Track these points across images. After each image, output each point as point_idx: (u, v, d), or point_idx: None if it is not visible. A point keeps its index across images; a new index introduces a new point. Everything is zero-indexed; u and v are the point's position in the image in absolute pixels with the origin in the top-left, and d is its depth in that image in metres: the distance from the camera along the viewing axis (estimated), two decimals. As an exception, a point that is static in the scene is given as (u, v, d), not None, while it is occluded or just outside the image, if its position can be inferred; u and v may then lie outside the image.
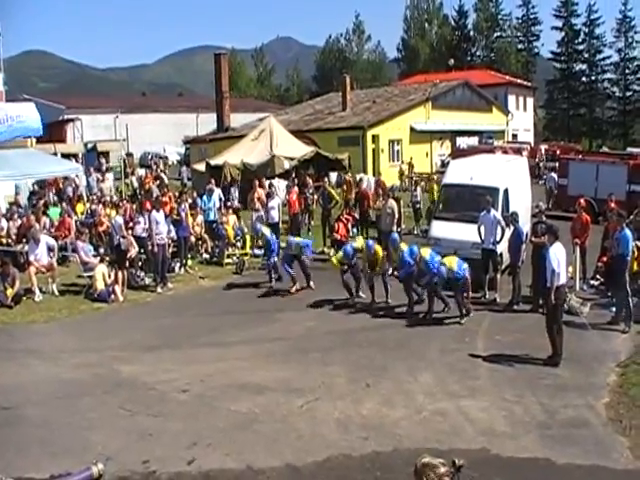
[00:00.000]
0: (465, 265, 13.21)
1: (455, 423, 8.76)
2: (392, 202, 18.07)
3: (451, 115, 44.76)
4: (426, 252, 13.66)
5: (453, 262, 13.21)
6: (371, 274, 14.67)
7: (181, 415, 9.14)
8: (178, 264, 17.47)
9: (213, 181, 22.48)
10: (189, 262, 18.02)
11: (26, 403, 9.69)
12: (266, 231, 16.26)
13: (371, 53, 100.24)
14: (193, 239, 18.65)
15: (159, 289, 15.76)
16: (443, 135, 44.42)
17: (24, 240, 18.00)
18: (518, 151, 36.35)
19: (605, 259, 15.01)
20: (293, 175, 24.90)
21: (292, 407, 9.32)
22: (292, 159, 28.34)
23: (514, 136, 56.23)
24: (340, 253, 14.93)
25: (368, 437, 8.38)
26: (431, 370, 10.57)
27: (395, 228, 17.48)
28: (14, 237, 19.06)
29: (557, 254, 10.79)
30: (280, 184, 22.95)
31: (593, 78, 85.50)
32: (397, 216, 17.92)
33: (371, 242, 15.23)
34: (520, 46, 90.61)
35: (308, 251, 16.21)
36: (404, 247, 14.17)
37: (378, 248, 14.84)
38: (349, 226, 18.36)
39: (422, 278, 13.64)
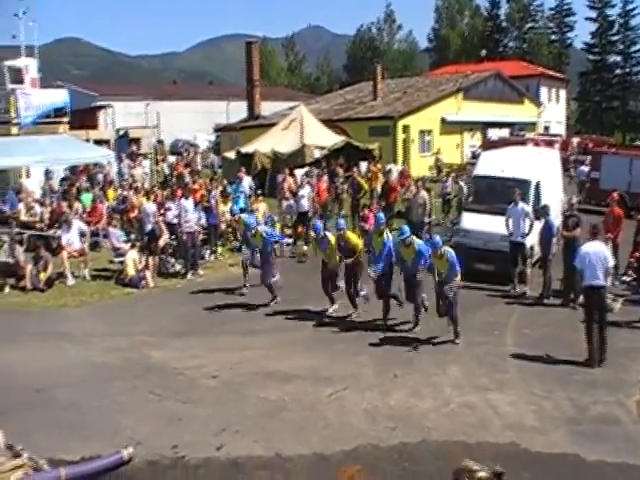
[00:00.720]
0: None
1: (483, 416, 8.71)
2: (424, 193, 17.96)
3: (482, 106, 44.33)
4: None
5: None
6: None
7: (210, 401, 9.19)
8: (208, 251, 17.55)
9: (243, 169, 22.52)
10: (219, 249, 18.10)
11: (57, 385, 9.81)
12: (262, 229, 14.30)
13: (402, 43, 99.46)
14: (223, 226, 18.69)
15: (189, 276, 15.83)
16: (474, 126, 44.02)
17: (57, 225, 18.20)
18: (550, 143, 35.87)
19: (638, 254, 14.80)
20: (323, 164, 24.83)
21: (320, 396, 9.33)
22: (322, 148, 28.30)
23: (546, 128, 55.56)
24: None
25: (396, 428, 8.36)
26: (459, 363, 10.51)
27: (426, 219, 17.37)
28: (47, 222, 19.28)
29: (590, 252, 10.64)
30: (311, 173, 22.85)
31: (627, 70, 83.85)
32: (429, 207, 17.81)
33: (342, 222, 13.62)
34: (553, 37, 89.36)
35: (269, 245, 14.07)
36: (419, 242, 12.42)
37: (351, 235, 13.34)
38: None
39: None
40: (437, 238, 11.93)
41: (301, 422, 8.58)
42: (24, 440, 7.75)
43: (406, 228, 12.40)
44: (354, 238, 13.22)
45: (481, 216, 15.76)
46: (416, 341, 11.46)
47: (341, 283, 13.08)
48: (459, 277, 11.52)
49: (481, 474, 3.67)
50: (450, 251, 11.61)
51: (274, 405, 9.07)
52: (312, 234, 14.30)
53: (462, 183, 20.87)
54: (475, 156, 32.92)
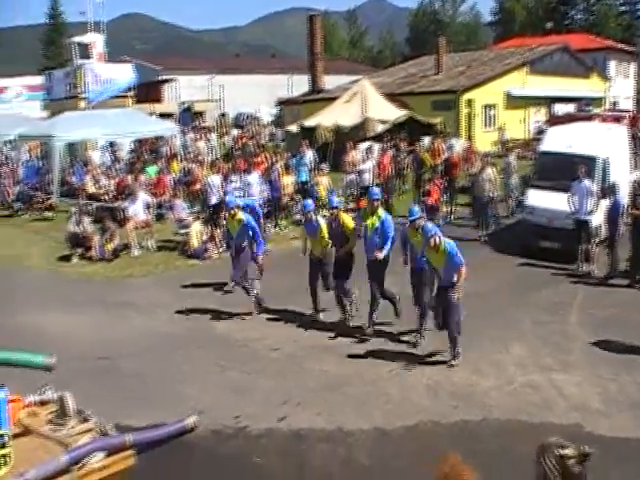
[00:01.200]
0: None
1: (547, 397, 8.54)
2: (490, 169, 17.61)
3: (548, 81, 43.17)
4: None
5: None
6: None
7: (272, 373, 9.26)
8: (271, 224, 17.62)
9: (306, 142, 22.48)
10: (282, 222, 18.15)
11: (122, 354, 10.03)
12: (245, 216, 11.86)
13: (466, 16, 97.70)
14: (285, 200, 18.72)
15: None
16: (539, 101, 42.97)
17: (123, 197, 18.51)
18: (618, 119, 34.74)
19: None
20: (386, 138, 24.59)
21: (381, 371, 9.29)
22: (385, 122, 28.03)
23: (614, 104, 53.84)
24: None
25: (457, 405, 8.27)
26: (523, 341, 10.31)
27: (492, 195, 17.01)
28: (113, 194, 19.62)
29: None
30: (373, 147, 22.65)
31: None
32: (494, 184, 17.48)
33: (335, 199, 11.77)
34: (622, 9, 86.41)
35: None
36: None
37: (346, 218, 11.08)
38: (442, 191, 18.06)
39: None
40: (429, 225, 9.62)
41: (362, 397, 8.57)
42: (91, 406, 7.92)
43: (416, 209, 10.37)
44: (349, 222, 10.94)
45: (546, 193, 15.38)
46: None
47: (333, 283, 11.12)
48: (462, 277, 9.29)
49: (569, 451, 3.55)
50: (449, 242, 9.35)
51: (335, 379, 9.08)
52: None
53: (512, 158, 20.32)
54: (540, 131, 32.18)
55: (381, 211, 10.68)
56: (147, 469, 7.18)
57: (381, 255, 10.36)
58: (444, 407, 8.23)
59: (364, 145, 23.47)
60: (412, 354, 9.79)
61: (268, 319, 11.41)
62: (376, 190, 11.31)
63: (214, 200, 16.65)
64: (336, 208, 11.09)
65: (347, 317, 11.08)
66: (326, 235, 10.95)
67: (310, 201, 11.73)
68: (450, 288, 9.29)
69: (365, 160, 19.90)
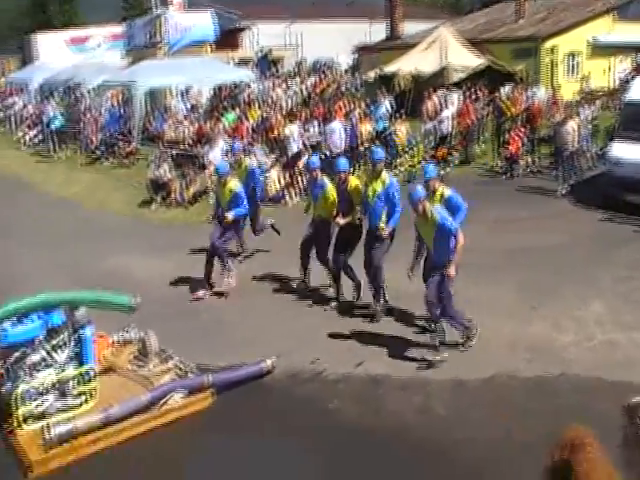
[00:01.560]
0: None
1: (628, 355, 8.24)
2: (573, 120, 16.93)
3: (635, 28, 41.17)
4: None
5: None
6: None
7: (348, 320, 9.25)
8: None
9: (383, 90, 22.06)
10: (360, 169, 17.96)
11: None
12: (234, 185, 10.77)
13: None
14: (362, 148, 18.50)
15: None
16: (625, 50, 41.07)
17: (202, 143, 18.63)
18: None
19: None
20: (466, 87, 23.93)
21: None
22: (464, 70, 27.31)
23: None
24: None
25: (534, 359, 8.10)
26: (603, 299, 9.91)
27: (574, 147, 16.39)
28: (192, 140, 19.77)
29: None
30: (453, 95, 22.07)
31: None
32: (577, 135, 16.82)
33: (344, 162, 9.95)
34: None
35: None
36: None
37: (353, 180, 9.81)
38: (523, 141, 17.53)
39: None
40: (418, 188, 8.18)
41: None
42: (172, 346, 8.12)
43: (431, 167, 9.03)
44: (357, 187, 9.61)
45: (632, 145, 14.73)
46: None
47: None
48: (456, 257, 7.94)
49: None
50: (439, 211, 8.02)
51: (409, 328, 9.01)
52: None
53: (587, 109, 19.44)
54: (626, 81, 30.82)
55: (385, 175, 9.37)
56: (225, 409, 7.37)
57: (386, 232, 9.07)
58: (521, 361, 8.08)
59: (443, 93, 22.92)
60: (491, 307, 9.61)
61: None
62: (378, 150, 9.99)
63: (295, 148, 16.56)
64: (345, 171, 9.64)
65: (339, 297, 9.93)
66: (332, 198, 9.73)
67: (316, 158, 10.58)
68: (443, 268, 7.97)
69: (444, 108, 19.42)
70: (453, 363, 8.02)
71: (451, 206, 8.51)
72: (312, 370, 7.76)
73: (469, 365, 7.97)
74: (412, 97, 25.44)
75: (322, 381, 7.70)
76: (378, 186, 9.20)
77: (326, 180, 9.94)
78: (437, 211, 8.00)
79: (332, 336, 8.78)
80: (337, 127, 16.10)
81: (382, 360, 8.13)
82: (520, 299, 9.80)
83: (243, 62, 33.59)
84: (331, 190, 9.73)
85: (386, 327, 9.01)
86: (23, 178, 20.79)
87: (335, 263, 9.75)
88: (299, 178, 16.10)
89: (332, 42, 52.74)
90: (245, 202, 10.62)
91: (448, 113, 18.96)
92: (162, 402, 7.12)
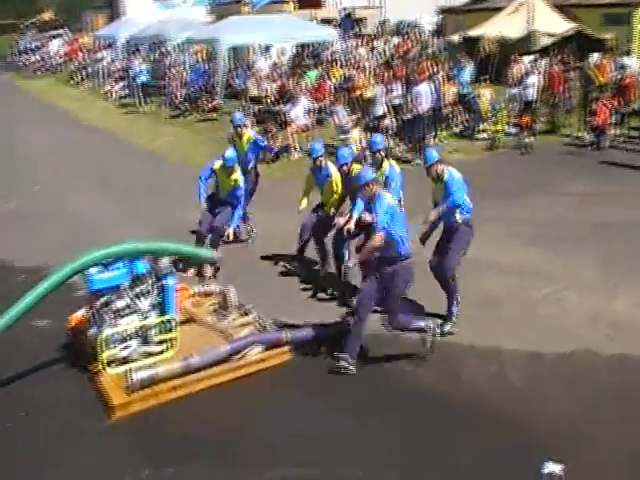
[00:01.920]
0: None
1: None
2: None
3: None
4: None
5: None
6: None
7: (429, 282, 9.06)
8: (430, 135, 17.12)
9: (465, 55, 21.49)
10: (441, 134, 17.64)
11: (284, 253, 10.31)
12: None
13: None
14: (446, 111, 18.12)
15: (416, 160, 15.41)
16: None
17: (284, 101, 18.57)
18: None
19: None
20: (553, 53, 23.09)
21: (538, 293, 8.91)
22: (552, 35, 26.33)
23: None
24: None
25: (617, 337, 7.77)
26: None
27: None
28: (275, 98, 19.72)
29: None
30: (539, 61, 21.31)
31: None
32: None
33: (347, 152, 9.04)
34: None
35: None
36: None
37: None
38: (611, 112, 16.81)
39: None
40: (431, 151, 8.09)
41: (516, 317, 8.28)
42: (252, 301, 8.16)
43: (431, 152, 8.13)
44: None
45: None
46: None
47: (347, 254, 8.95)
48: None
49: None
50: (451, 171, 7.89)
51: (489, 296, 8.81)
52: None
53: None
54: None
55: (385, 164, 8.54)
56: (302, 366, 7.38)
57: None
58: (602, 338, 7.78)
59: (529, 58, 22.17)
60: (573, 281, 9.30)
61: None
62: (377, 140, 8.81)
63: (380, 111, 16.28)
64: (345, 164, 8.70)
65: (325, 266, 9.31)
66: (337, 187, 9.04)
67: (319, 145, 9.38)
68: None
69: (530, 74, 18.77)
70: (530, 335, 7.82)
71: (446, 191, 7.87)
72: (390, 332, 7.66)
73: (547, 337, 7.74)
74: (497, 62, 24.73)
75: (399, 344, 7.60)
76: (379, 178, 8.20)
77: (332, 167, 9.10)
78: (450, 176, 7.87)
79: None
80: (423, 89, 15.76)
81: (460, 326, 7.97)
82: (603, 274, 9.45)
83: (326, 21, 33.18)
84: (337, 179, 9.04)
85: (463, 292, 8.81)
86: (110, 130, 21.22)
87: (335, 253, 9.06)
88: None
89: (416, 3, 51.56)
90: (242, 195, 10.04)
91: (534, 79, 18.32)
92: (241, 354, 7.17)
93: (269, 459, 5.91)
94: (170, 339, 7.29)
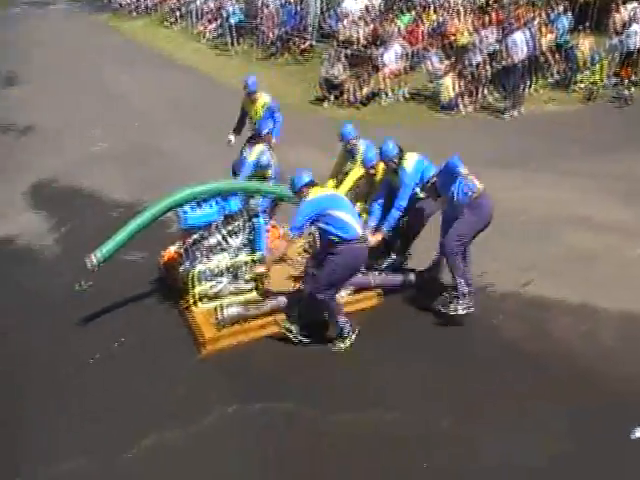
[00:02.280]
0: None
1: None
2: None
3: None
4: None
5: None
6: None
7: (519, 236, 8.74)
8: (523, 85, 16.39)
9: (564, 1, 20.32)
10: (538, 83, 16.85)
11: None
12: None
13: None
14: (542, 60, 17.26)
15: (507, 110, 14.86)
16: None
17: (377, 45, 18.07)
18: None
19: None
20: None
21: (632, 253, 8.46)
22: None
23: None
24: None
25: None
26: None
27: None
28: (367, 41, 19.20)
29: None
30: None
31: None
32: None
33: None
34: None
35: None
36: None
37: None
38: None
39: None
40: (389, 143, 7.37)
41: (610, 276, 7.87)
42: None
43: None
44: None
45: None
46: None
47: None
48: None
49: None
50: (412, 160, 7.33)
51: (583, 253, 8.41)
52: None
53: None
54: None
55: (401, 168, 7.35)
56: (389, 310, 7.25)
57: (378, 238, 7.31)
58: None
59: (632, 6, 20.85)
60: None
61: (519, 180, 10.66)
62: (390, 147, 7.41)
63: (478, 58, 15.60)
64: (372, 167, 7.72)
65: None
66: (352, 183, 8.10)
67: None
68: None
69: (632, 22, 17.63)
70: (623, 294, 7.44)
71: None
72: (479, 283, 7.43)
73: (641, 299, 7.35)
74: (597, 9, 23.39)
75: (488, 296, 7.37)
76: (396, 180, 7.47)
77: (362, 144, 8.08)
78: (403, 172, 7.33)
79: (499, 250, 8.28)
80: (519, 38, 15.04)
81: (551, 282, 7.66)
82: None
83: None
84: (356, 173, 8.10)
85: (556, 249, 8.47)
86: (202, 70, 21.20)
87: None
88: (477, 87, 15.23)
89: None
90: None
91: (636, 28, 17.20)
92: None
93: (357, 403, 5.84)
94: (260, 277, 7.26)
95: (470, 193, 6.89)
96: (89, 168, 12.52)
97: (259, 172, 8.67)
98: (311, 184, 6.62)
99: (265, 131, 9.22)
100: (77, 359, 6.65)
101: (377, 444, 5.40)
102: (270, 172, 8.76)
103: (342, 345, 6.66)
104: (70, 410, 5.95)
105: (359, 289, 7.32)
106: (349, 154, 8.27)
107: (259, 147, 8.79)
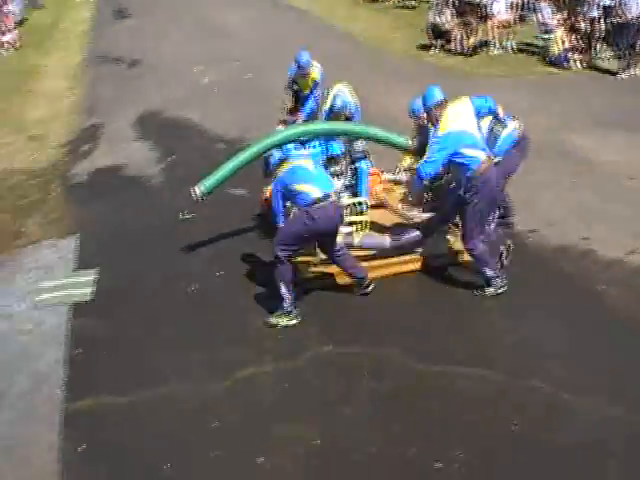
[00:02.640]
0: None
1: None
2: None
3: None
4: None
5: None
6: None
7: (626, 201, 8.20)
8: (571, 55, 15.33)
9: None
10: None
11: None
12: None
13: None
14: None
15: (621, 70, 13.93)
16: None
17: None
18: None
19: None
20: None
21: None
22: None
23: None
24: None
25: None
26: None
27: None
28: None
29: None
30: None
31: None
32: None
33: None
34: None
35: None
36: None
37: None
38: None
39: None
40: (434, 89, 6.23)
41: None
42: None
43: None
44: None
45: None
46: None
47: None
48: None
49: None
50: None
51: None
52: None
53: None
54: None
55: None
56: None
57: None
58: None
59: None
60: None
61: (626, 144, 10.03)
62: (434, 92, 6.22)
63: (594, 12, 14.54)
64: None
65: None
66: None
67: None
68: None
69: None
70: None
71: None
72: (583, 248, 7.06)
73: None
74: None
75: (593, 261, 6.96)
76: None
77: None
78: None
79: (605, 216, 7.84)
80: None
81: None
82: None
83: None
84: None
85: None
86: (310, 12, 20.95)
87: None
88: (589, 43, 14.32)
89: None
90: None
91: None
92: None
93: (463, 358, 5.61)
94: (361, 221, 7.11)
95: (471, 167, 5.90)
96: (194, 102, 12.60)
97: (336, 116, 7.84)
98: (443, 104, 5.76)
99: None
100: (179, 286, 6.75)
101: (479, 401, 5.11)
102: (347, 113, 7.83)
103: (492, 290, 6.23)
104: (169, 336, 6.05)
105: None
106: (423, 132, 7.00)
107: (335, 88, 8.02)
